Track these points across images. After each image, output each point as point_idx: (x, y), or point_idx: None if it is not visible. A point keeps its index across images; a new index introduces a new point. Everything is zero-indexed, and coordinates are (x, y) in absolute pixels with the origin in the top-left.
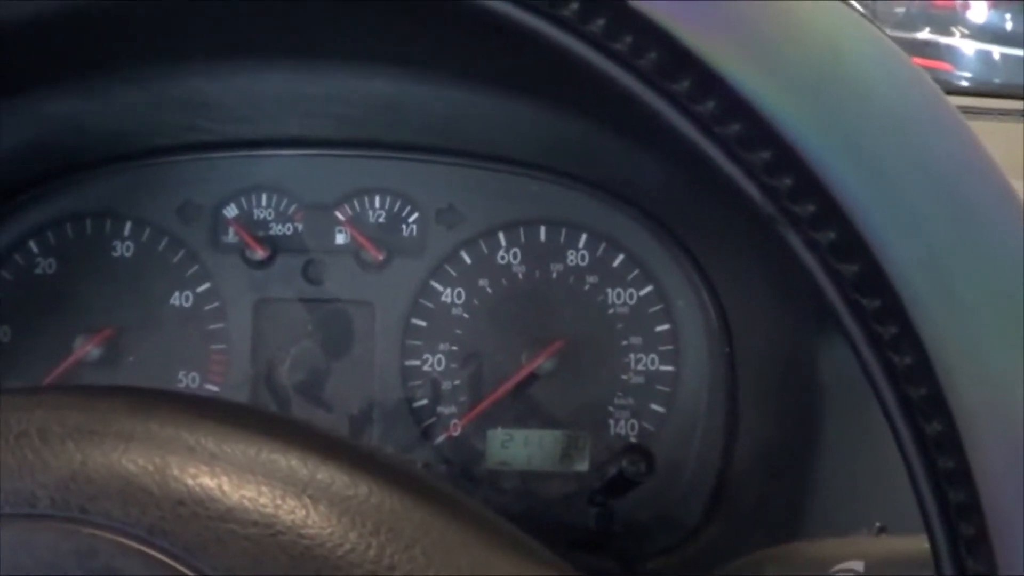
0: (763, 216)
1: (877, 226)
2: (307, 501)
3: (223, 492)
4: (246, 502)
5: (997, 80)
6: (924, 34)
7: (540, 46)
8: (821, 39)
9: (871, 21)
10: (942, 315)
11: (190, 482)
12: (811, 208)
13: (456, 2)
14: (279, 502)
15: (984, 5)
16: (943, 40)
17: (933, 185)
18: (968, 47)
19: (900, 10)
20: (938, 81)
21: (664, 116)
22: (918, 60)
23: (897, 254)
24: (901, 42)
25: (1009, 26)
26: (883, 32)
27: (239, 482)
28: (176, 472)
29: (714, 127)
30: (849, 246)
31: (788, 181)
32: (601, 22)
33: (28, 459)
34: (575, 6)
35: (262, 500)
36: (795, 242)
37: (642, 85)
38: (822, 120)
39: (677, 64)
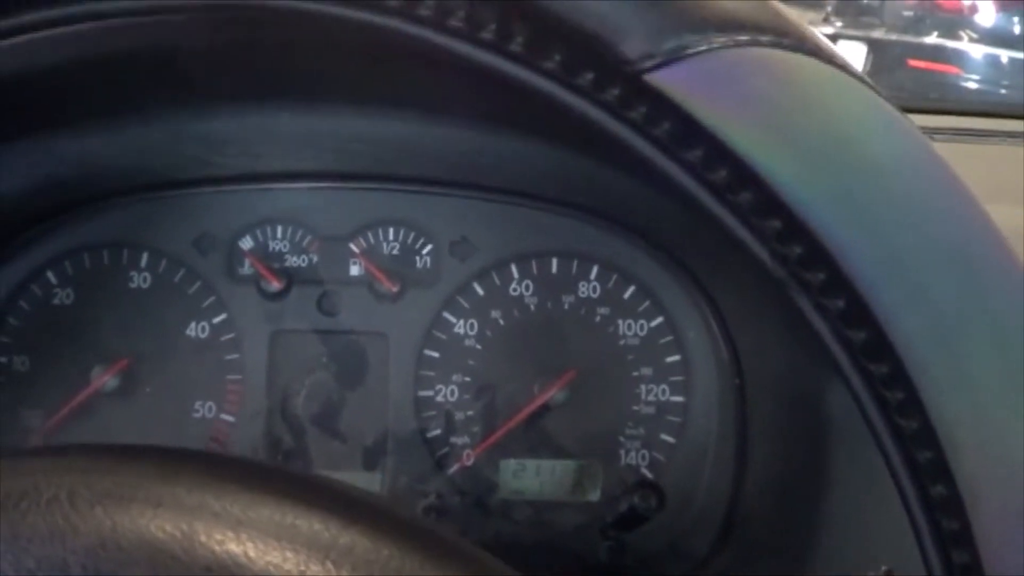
0: (774, 279)
1: (883, 296)
2: (330, 566)
3: (249, 559)
4: (271, 568)
5: (1004, 82)
6: (932, 38)
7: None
8: (829, 112)
9: (878, 92)
10: (947, 383)
11: (217, 548)
12: (821, 276)
13: (474, 66)
14: (303, 568)
15: (992, 8)
16: (950, 44)
17: (940, 256)
18: (976, 51)
19: (908, 14)
20: (945, 86)
21: (678, 181)
22: (925, 64)
23: (903, 323)
24: (909, 46)
25: (1017, 30)
26: (891, 105)
27: (264, 548)
28: (203, 539)
29: (727, 195)
30: (857, 314)
31: (798, 249)
32: (615, 92)
33: (59, 525)
34: (590, 77)
35: (287, 566)
36: (805, 307)
37: (656, 151)
38: (830, 192)
39: (689, 135)
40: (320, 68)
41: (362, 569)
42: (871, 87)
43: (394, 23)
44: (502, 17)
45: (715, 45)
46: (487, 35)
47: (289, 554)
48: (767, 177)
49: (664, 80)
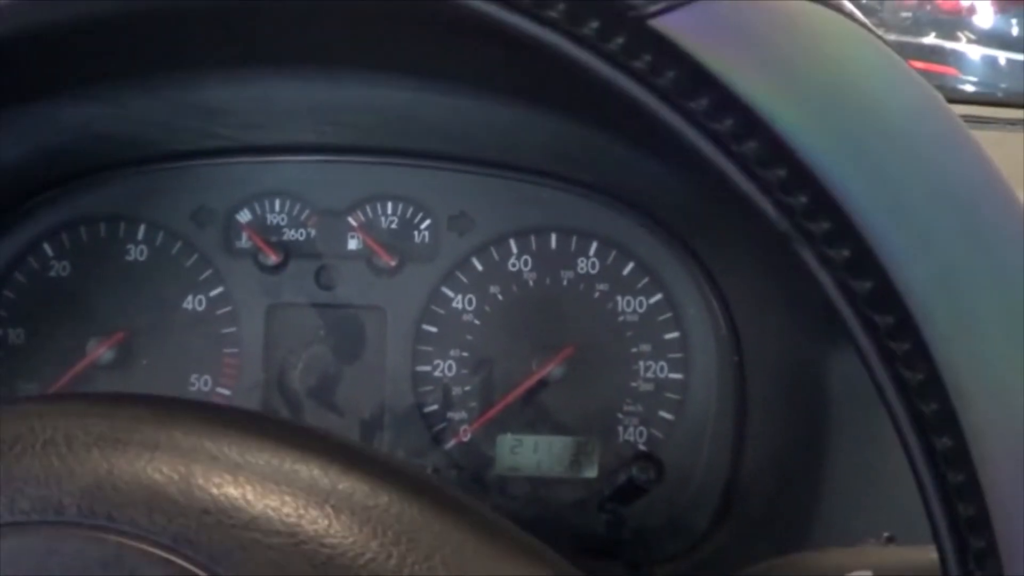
0: (778, 232)
1: (890, 244)
2: (329, 511)
3: (247, 501)
4: (270, 511)
5: (1003, 85)
6: (930, 39)
7: (559, 62)
8: (836, 59)
9: (885, 42)
10: (954, 332)
11: (215, 491)
12: (826, 226)
13: (476, 19)
14: (302, 511)
15: (990, 10)
16: (949, 45)
17: (946, 203)
18: (974, 52)
19: (907, 15)
20: (943, 87)
21: (682, 133)
22: (924, 65)
23: (910, 272)
24: (907, 46)
25: (1015, 31)
26: (897, 54)
27: (263, 491)
28: (201, 481)
29: (731, 145)
30: (862, 263)
31: (803, 199)
32: (620, 41)
33: (55, 467)
34: (595, 25)
35: (285, 510)
36: (809, 258)
37: (660, 102)
38: (837, 140)
39: (695, 83)
40: (319, 35)
41: (361, 515)
42: (878, 36)
43: None
44: None
45: None
46: None
47: (288, 498)
48: (773, 124)
49: (670, 25)
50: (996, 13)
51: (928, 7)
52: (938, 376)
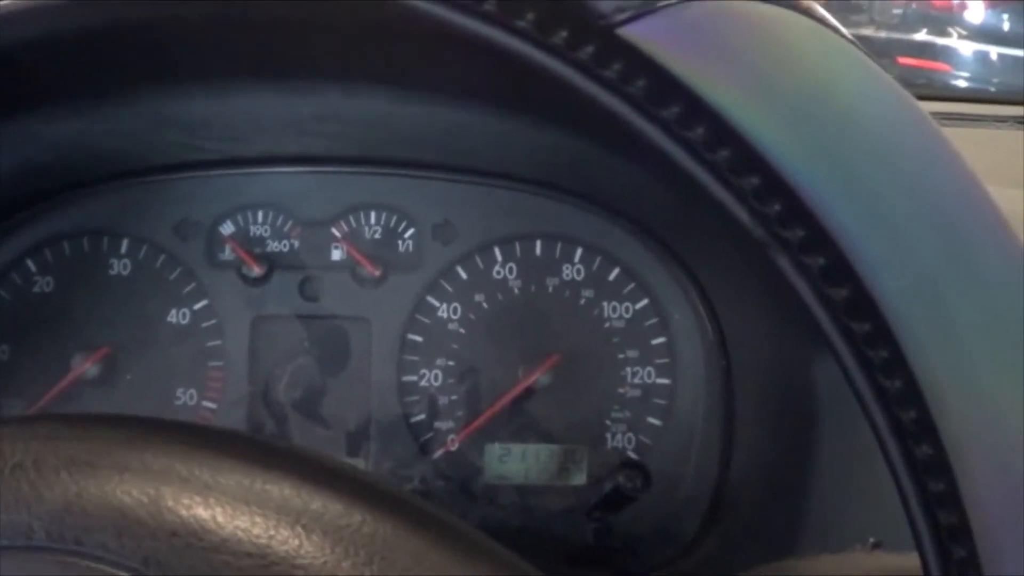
0: (754, 239)
1: (865, 252)
2: (300, 531)
3: (217, 523)
4: (240, 533)
5: (995, 80)
6: (922, 35)
7: (530, 71)
8: (809, 66)
9: (859, 47)
10: (930, 340)
11: (184, 513)
12: (800, 233)
13: (448, 30)
14: (272, 532)
15: (981, 6)
16: (940, 41)
17: (921, 211)
18: (965, 48)
19: (898, 11)
20: (935, 82)
21: (655, 141)
22: (915, 61)
23: (885, 279)
24: (898, 43)
25: (1006, 26)
26: (872, 58)
27: (233, 513)
28: (170, 503)
29: (704, 153)
30: (838, 271)
31: (777, 207)
32: (590, 50)
33: (24, 491)
34: (564, 34)
35: (256, 531)
36: (786, 266)
37: (632, 111)
38: (809, 147)
39: (666, 91)
40: (301, 46)
41: (333, 534)
42: (851, 42)
43: None
44: None
45: None
46: None
47: (258, 519)
48: (745, 133)
49: (639, 33)
50: (987, 8)
51: (918, 3)
52: (916, 384)
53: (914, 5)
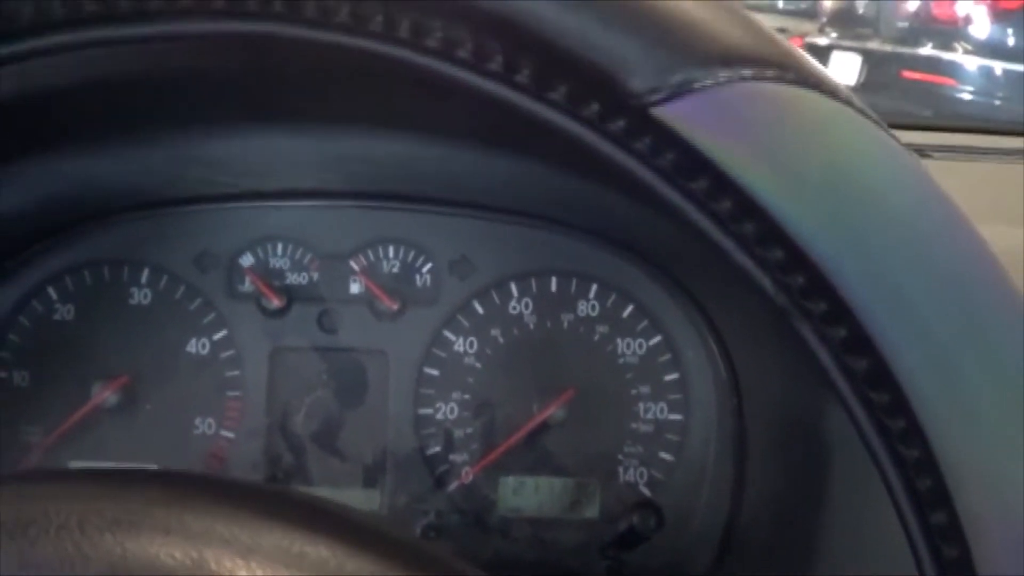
0: (777, 306)
1: (884, 327)
2: None
3: None
4: None
5: (1000, 94)
6: (927, 49)
7: (564, 140)
8: (831, 147)
9: (882, 127)
10: (947, 414)
11: None
12: (822, 306)
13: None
14: None
15: (986, 20)
16: (945, 55)
17: (939, 290)
18: (970, 62)
19: (903, 25)
20: (939, 97)
21: (683, 210)
22: (920, 75)
23: (904, 354)
24: (904, 57)
25: (1011, 41)
26: (892, 135)
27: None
28: (213, 566)
29: (730, 224)
30: (858, 343)
31: (800, 280)
32: (621, 124)
33: (69, 553)
34: (595, 108)
35: None
36: (808, 335)
37: (661, 181)
38: (831, 225)
39: (694, 166)
40: (323, 92)
41: None
42: (874, 120)
43: (403, 54)
44: (509, 50)
45: (720, 80)
46: (494, 66)
47: None
48: (769, 209)
49: (670, 113)
50: (992, 23)
51: (924, 18)
52: (932, 455)
53: (919, 18)
